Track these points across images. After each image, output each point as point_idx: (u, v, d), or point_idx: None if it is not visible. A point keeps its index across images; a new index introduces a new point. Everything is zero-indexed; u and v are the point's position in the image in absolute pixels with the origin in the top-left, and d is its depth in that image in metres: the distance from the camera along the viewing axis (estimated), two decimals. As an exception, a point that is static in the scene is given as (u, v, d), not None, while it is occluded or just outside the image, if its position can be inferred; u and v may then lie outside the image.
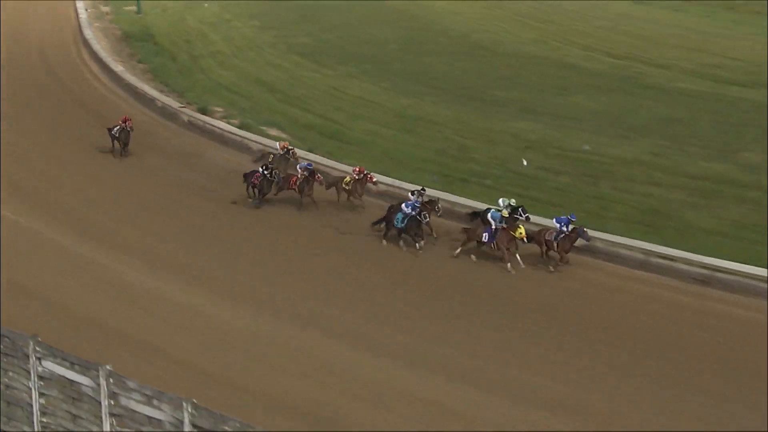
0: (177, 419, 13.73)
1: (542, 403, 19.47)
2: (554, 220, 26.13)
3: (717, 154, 33.24)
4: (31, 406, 15.53)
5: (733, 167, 32.00)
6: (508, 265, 25.73)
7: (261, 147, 34.55)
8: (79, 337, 20.46)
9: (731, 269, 24.91)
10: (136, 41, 48.92)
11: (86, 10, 55.20)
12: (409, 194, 27.75)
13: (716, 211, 28.70)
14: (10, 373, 15.70)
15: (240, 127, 36.48)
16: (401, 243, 27.01)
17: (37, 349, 15.22)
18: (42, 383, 15.35)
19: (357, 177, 29.42)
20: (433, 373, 20.40)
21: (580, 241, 25.80)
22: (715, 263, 25.15)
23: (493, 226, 26.02)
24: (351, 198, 29.71)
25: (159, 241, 27.34)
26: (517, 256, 25.84)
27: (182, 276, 25.09)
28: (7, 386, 15.84)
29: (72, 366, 14.93)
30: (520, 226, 25.73)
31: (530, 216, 26.50)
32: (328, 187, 29.95)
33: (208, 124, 37.23)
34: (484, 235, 26.07)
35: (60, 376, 15.08)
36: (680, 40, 49.49)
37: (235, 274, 25.25)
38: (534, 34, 51.44)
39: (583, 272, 25.76)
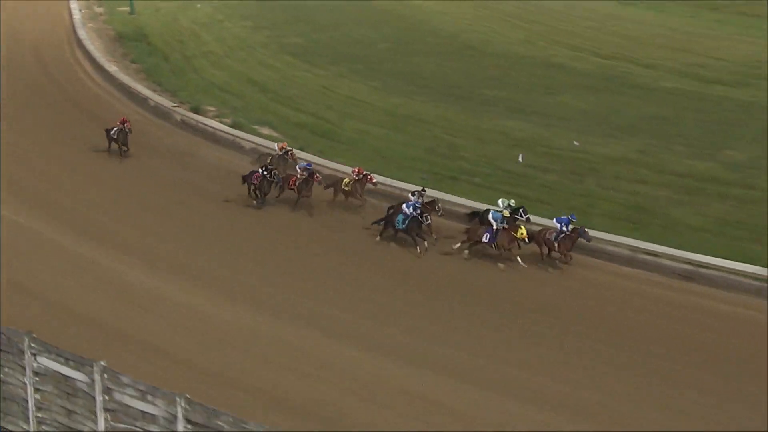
0: (171, 414, 13.73)
1: (542, 401, 19.43)
2: (554, 220, 26.02)
3: (701, 152, 33.36)
4: (27, 401, 15.51)
5: (717, 165, 32.12)
6: (500, 265, 25.69)
7: (253, 146, 34.52)
8: (80, 337, 20.26)
9: (715, 265, 25.01)
10: (130, 41, 48.80)
11: (80, 10, 55.03)
12: (409, 195, 27.49)
13: (701, 208, 28.81)
14: (6, 369, 15.66)
15: (232, 126, 36.45)
16: (391, 238, 26.95)
17: (32, 345, 15.19)
18: (37, 379, 15.32)
19: (356, 178, 29.18)
20: (433, 372, 20.28)
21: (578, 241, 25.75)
22: (699, 259, 25.25)
23: (495, 227, 25.87)
24: (351, 199, 29.40)
25: (158, 241, 27.08)
26: (518, 258, 25.72)
27: (182, 276, 24.87)
28: (3, 382, 15.80)
29: (66, 362, 14.90)
30: (522, 226, 25.62)
31: (530, 217, 26.37)
32: (327, 187, 29.71)
33: (201, 123, 37.16)
34: (485, 234, 25.90)
35: (55, 371, 15.06)
36: (665, 40, 49.65)
37: (236, 274, 25.03)
38: (522, 34, 51.52)
39: (572, 269, 25.74)
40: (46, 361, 15.10)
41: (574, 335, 22.34)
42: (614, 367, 20.92)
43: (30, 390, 15.39)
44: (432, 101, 39.53)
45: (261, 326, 22.27)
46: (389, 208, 27.67)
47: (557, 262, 25.85)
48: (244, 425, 12.99)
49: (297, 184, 29.39)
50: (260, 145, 34.48)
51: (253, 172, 29.88)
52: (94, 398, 14.56)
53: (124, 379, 14.28)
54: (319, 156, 32.62)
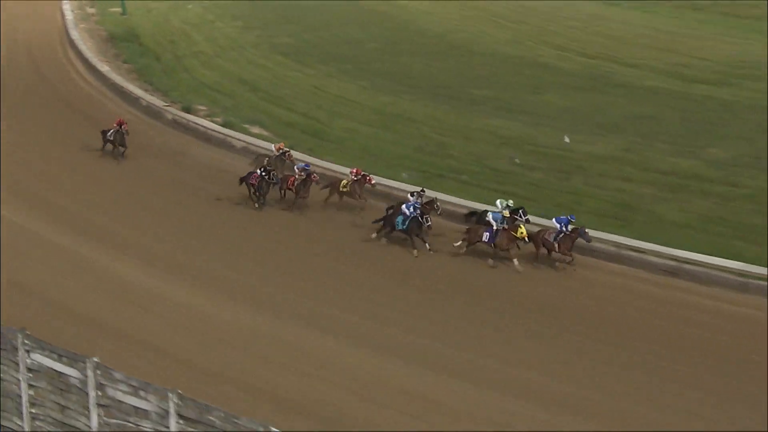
0: (163, 409, 13.70)
1: (536, 398, 19.43)
2: (554, 220, 25.89)
3: (685, 150, 33.43)
4: (21, 397, 15.46)
5: (700, 163, 32.19)
6: (490, 261, 25.69)
7: (244, 145, 34.47)
8: (79, 337, 20.12)
9: (698, 261, 25.08)
10: (121, 42, 48.64)
11: (72, 11, 54.83)
12: (408, 195, 27.28)
13: (684, 205, 28.89)
14: (0, 366, 15.63)
15: (223, 125, 36.37)
16: (374, 236, 26.87)
17: (26, 342, 15.14)
18: (31, 375, 15.27)
19: (354, 179, 28.92)
20: (433, 372, 20.15)
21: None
22: (683, 255, 25.32)
23: (495, 227, 25.74)
24: (350, 200, 29.06)
25: (156, 240, 26.96)
26: (515, 261, 25.56)
27: (181, 275, 24.69)
28: (-2, 378, 15.79)
29: (60, 358, 14.87)
30: (521, 225, 25.48)
31: (529, 218, 26.26)
32: (325, 187, 29.39)
33: (193, 122, 37.09)
34: (485, 234, 25.75)
35: (48, 368, 15.02)
36: (649, 40, 49.71)
37: (235, 274, 24.84)
38: (508, 34, 51.52)
39: (562, 266, 25.74)
40: (39, 358, 15.05)
41: (560, 330, 22.39)
42: (597, 361, 20.96)
43: (24, 386, 15.35)
44: (420, 100, 39.52)
45: (261, 326, 22.09)
46: (388, 209, 27.39)
47: (556, 262, 25.67)
48: (236, 420, 12.97)
49: (295, 184, 29.15)
50: (251, 144, 34.42)
51: (251, 173, 29.61)
52: (87, 394, 14.52)
53: (117, 375, 14.25)
54: (308, 154, 32.53)
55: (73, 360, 14.70)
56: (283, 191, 29.57)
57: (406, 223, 26.37)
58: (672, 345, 21.82)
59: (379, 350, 21.02)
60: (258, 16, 55.84)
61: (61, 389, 14.99)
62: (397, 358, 20.68)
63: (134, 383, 14.07)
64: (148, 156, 33.96)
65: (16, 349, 15.21)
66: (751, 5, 55.32)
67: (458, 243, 26.42)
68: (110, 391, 14.31)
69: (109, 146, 33.43)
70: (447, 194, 29.03)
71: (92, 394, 14.44)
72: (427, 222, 26.35)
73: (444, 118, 37.35)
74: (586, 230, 25.41)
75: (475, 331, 22.15)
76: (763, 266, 24.47)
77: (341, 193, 29.19)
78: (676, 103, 39.21)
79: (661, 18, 54.65)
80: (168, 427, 13.65)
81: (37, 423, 15.47)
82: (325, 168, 31.34)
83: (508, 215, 25.95)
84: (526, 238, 25.43)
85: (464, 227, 26.99)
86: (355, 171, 29.10)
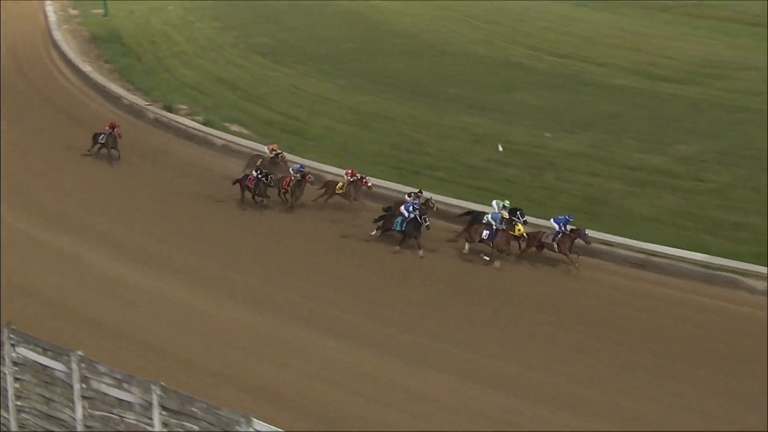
0: (146, 401, 13.65)
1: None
2: (552, 220, 25.65)
3: (653, 146, 33.56)
4: (6, 390, 15.37)
5: (667, 159, 32.34)
6: (485, 257, 25.55)
7: (224, 143, 34.38)
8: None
9: (666, 253, 25.22)
10: (104, 42, 48.39)
11: (55, 12, 54.52)
12: (406, 196, 27.07)
13: (652, 199, 29.03)
14: (-15, 360, 15.55)
15: (204, 124, 36.31)
16: (373, 232, 26.67)
17: (11, 336, 15.06)
18: (16, 368, 15.19)
19: (350, 180, 28.59)
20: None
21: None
22: (651, 248, 25.45)
23: (494, 227, 25.56)
24: (342, 199, 28.76)
25: (143, 238, 26.76)
26: (496, 263, 25.47)
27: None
28: (-17, 372, 15.69)
29: (45, 352, 14.79)
30: (518, 224, 25.35)
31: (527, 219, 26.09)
32: (321, 188, 29.08)
33: (174, 121, 36.98)
34: (484, 233, 25.58)
35: (33, 361, 14.94)
36: (618, 40, 49.84)
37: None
38: (481, 34, 51.56)
39: (533, 258, 25.83)
40: (24, 352, 14.97)
41: (528, 320, 22.60)
42: (572, 352, 21.09)
43: (9, 379, 15.26)
44: (396, 99, 39.50)
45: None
46: (386, 209, 27.13)
47: (554, 262, 25.50)
48: (217, 411, 12.94)
49: (290, 185, 28.85)
50: (231, 142, 34.38)
51: (246, 176, 29.20)
52: (71, 387, 14.46)
53: (101, 368, 14.19)
54: (288, 152, 32.36)
55: (57, 353, 14.63)
56: (281, 193, 29.13)
57: (404, 224, 26.10)
58: (639, 334, 21.99)
59: (380, 350, 20.80)
60: (237, 17, 55.63)
61: (47, 382, 14.91)
62: (398, 358, 20.48)
63: (118, 376, 14.01)
64: (133, 155, 33.62)
65: (1, 343, 15.12)
66: (715, 6, 55.66)
67: (457, 240, 26.30)
68: (94, 384, 14.24)
69: (102, 149, 32.89)
70: (425, 191, 29.05)
71: (77, 386, 14.37)
72: (426, 222, 26.07)
73: (419, 116, 37.37)
74: (586, 232, 25.13)
75: (474, 331, 21.95)
76: (728, 258, 24.67)
77: (339, 195, 28.77)
78: (644, 101, 39.36)
79: (629, 19, 54.81)
80: (151, 419, 13.60)
81: (23, 415, 15.39)
82: (321, 170, 31.01)
83: (507, 216, 25.70)
84: (525, 234, 25.31)
85: (459, 227, 26.82)
86: (350, 172, 28.75)
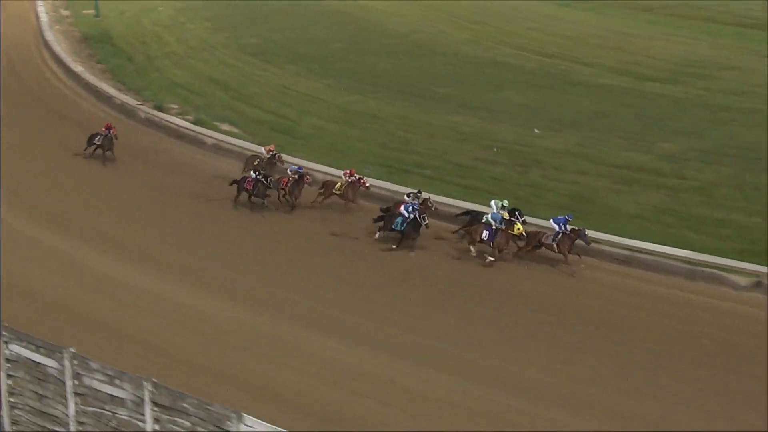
0: (138, 397, 13.64)
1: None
2: (551, 221, 25.46)
3: (637, 144, 33.64)
4: (-1, 387, 15.37)
5: (652, 157, 32.41)
6: (485, 258, 25.40)
7: (215, 142, 34.31)
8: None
9: (650, 250, 25.28)
10: (95, 43, 48.23)
11: (47, 13, 54.31)
12: (405, 196, 26.87)
13: (637, 197, 29.08)
14: (-22, 357, 15.50)
15: (195, 123, 36.19)
16: (377, 234, 26.42)
17: (4, 333, 15.02)
18: (9, 365, 15.16)
19: (349, 180, 28.23)
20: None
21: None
22: (636, 245, 25.50)
23: (494, 227, 25.39)
24: (338, 200, 28.51)
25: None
26: (489, 258, 25.35)
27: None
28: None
29: (37, 349, 14.76)
30: (517, 223, 25.20)
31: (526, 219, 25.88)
32: (319, 189, 28.83)
33: (165, 120, 36.89)
34: (484, 233, 25.41)
35: (26, 358, 14.90)
36: (603, 40, 49.95)
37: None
38: (468, 34, 51.59)
39: (532, 258, 25.68)
40: (17, 349, 14.94)
41: (528, 320, 22.50)
42: (571, 351, 21.03)
43: (3, 375, 15.22)
44: (385, 98, 39.48)
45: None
46: (385, 210, 26.95)
47: (559, 262, 25.27)
48: (208, 407, 12.94)
49: (288, 186, 28.61)
50: (222, 141, 34.30)
51: (244, 178, 28.87)
52: (64, 383, 14.43)
53: (93, 365, 14.17)
54: (278, 151, 32.29)
55: (50, 351, 14.60)
56: (281, 194, 28.82)
57: (404, 224, 25.91)
58: (624, 330, 22.04)
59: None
60: (227, 18, 55.56)
61: (39, 379, 14.88)
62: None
63: (110, 372, 13.99)
64: (126, 154, 33.37)
65: (-6, 341, 15.10)
66: (697, 7, 55.90)
67: (462, 239, 26.15)
68: (86, 380, 14.23)
69: (97, 150, 32.58)
70: (412, 188, 29.03)
71: (69, 383, 14.35)
72: (425, 221, 25.90)
73: (408, 115, 37.36)
74: (586, 232, 24.99)
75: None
76: (710, 255, 24.75)
77: (337, 195, 28.49)
78: (629, 100, 39.45)
79: (613, 19, 54.94)
80: (143, 415, 13.59)
81: (16, 411, 15.35)
82: (312, 169, 30.80)
83: (508, 217, 25.48)
84: (524, 233, 25.21)
85: (456, 227, 26.71)
86: (349, 172, 28.50)
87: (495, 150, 32.79)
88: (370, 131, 35.55)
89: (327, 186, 28.90)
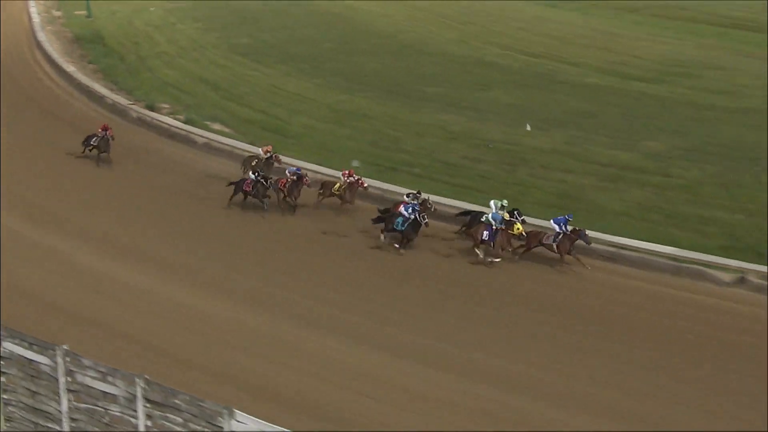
0: (130, 393, 13.60)
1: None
2: (552, 221, 25.35)
3: (623, 143, 33.72)
4: (-7, 384, 15.31)
5: (637, 155, 32.49)
6: (487, 259, 25.31)
7: (206, 141, 34.26)
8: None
9: (636, 247, 25.34)
10: (87, 43, 48.12)
11: (39, 14, 54.17)
12: (404, 197, 26.76)
13: (622, 194, 29.16)
14: (-28, 355, 15.44)
15: (185, 122, 36.13)
16: (382, 237, 26.17)
17: (-2, 331, 14.99)
18: (2, 363, 15.09)
19: (347, 180, 27.99)
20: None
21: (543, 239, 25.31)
22: (621, 241, 25.55)
23: (494, 227, 25.30)
24: (335, 199, 28.36)
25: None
26: (496, 259, 25.28)
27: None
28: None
29: (30, 346, 14.70)
30: (517, 222, 25.14)
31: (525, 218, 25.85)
32: (319, 189, 28.64)
33: (156, 119, 36.81)
34: (484, 233, 25.31)
35: (19, 355, 14.85)
36: (589, 40, 50.08)
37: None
38: (456, 34, 51.64)
39: (531, 257, 25.60)
40: (10, 346, 14.88)
41: (527, 319, 22.46)
42: (571, 350, 21.01)
43: (-5, 373, 15.19)
44: (374, 97, 39.49)
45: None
46: (384, 211, 26.82)
47: (558, 262, 25.20)
48: (200, 403, 12.91)
49: (287, 186, 28.41)
50: (213, 140, 34.25)
51: (243, 180, 28.62)
52: (57, 380, 14.39)
53: (86, 362, 14.12)
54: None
55: (43, 348, 14.55)
56: (282, 198, 28.62)
57: (405, 224, 25.78)
58: (611, 325, 22.09)
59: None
60: (218, 18, 55.48)
61: (32, 376, 14.82)
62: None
63: (102, 369, 13.95)
64: (118, 153, 33.14)
65: (-13, 338, 15.04)
66: (681, 7, 56.10)
67: (458, 234, 26.07)
68: (79, 377, 14.17)
69: (93, 151, 32.37)
70: (400, 186, 29.07)
71: (62, 380, 14.30)
72: (424, 219, 25.78)
73: (396, 114, 37.36)
74: (586, 232, 24.91)
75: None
76: (695, 251, 24.83)
77: (336, 196, 28.33)
78: (615, 99, 39.55)
79: (599, 19, 55.08)
80: (135, 411, 13.56)
81: (10, 408, 15.30)
82: (304, 168, 30.66)
83: (508, 217, 25.39)
84: (524, 233, 25.13)
85: (454, 226, 26.63)
86: (347, 173, 28.34)
87: (490, 146, 32.78)
88: (360, 130, 35.55)
89: (326, 186, 28.73)
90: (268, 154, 30.52)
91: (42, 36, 49.19)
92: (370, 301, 23.10)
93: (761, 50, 46.41)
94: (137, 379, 13.43)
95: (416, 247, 26.00)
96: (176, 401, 13.14)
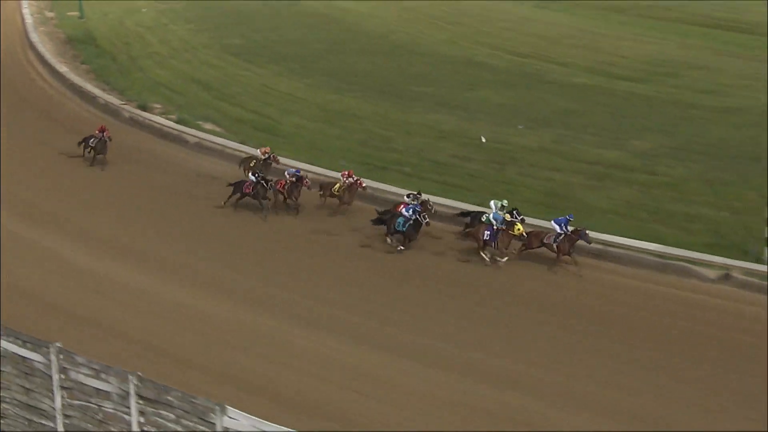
0: (123, 390, 13.58)
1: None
2: (552, 221, 25.20)
3: (610, 142, 33.80)
4: (-14, 381, 15.25)
5: (624, 154, 32.56)
6: (489, 260, 25.23)
7: (197, 140, 34.20)
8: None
9: (622, 244, 25.38)
10: (79, 44, 47.97)
11: (32, 15, 53.99)
12: (405, 197, 26.62)
13: (609, 192, 29.21)
14: (-34, 353, 15.38)
15: (177, 122, 36.04)
16: (388, 240, 25.97)
17: (-9, 329, 14.93)
18: (-3, 360, 15.08)
19: (347, 181, 27.72)
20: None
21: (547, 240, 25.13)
22: (608, 239, 25.58)
23: (495, 227, 25.16)
24: (333, 200, 28.13)
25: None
26: (503, 258, 25.14)
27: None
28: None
29: (24, 344, 14.66)
30: (517, 223, 25.00)
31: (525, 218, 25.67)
32: (319, 190, 28.45)
33: (148, 119, 36.73)
34: (485, 233, 25.20)
35: (13, 353, 14.80)
36: (576, 40, 50.19)
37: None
38: (445, 35, 51.68)
39: (530, 257, 25.45)
40: (4, 344, 14.83)
41: (527, 319, 22.40)
42: (571, 350, 20.98)
43: (-11, 371, 15.13)
44: (364, 97, 39.48)
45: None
46: (384, 212, 26.66)
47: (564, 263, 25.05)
48: (193, 400, 12.89)
49: (286, 188, 28.18)
50: (204, 140, 34.18)
51: (243, 182, 28.32)
52: (50, 377, 14.35)
53: (79, 359, 14.09)
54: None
55: (36, 345, 14.51)
56: (283, 197, 28.38)
57: (407, 225, 25.62)
58: (598, 321, 22.14)
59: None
60: (209, 19, 55.38)
61: (26, 373, 14.78)
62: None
63: (96, 366, 13.92)
64: (112, 153, 32.82)
65: (-20, 336, 14.99)
66: (666, 8, 56.26)
67: (460, 235, 26.01)
68: (73, 374, 14.14)
69: (90, 152, 32.10)
70: (390, 185, 29.08)
71: (56, 377, 14.27)
72: (425, 219, 25.63)
73: (386, 113, 37.36)
74: (587, 232, 24.77)
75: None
76: (681, 248, 24.90)
77: (335, 197, 28.13)
78: (602, 98, 39.65)
79: (586, 20, 55.20)
80: (128, 407, 13.54)
81: (4, 405, 15.26)
82: (303, 168, 30.52)
83: (509, 218, 25.20)
84: (524, 233, 25.02)
85: (453, 226, 26.55)
86: (347, 173, 28.07)
87: (484, 140, 32.80)
88: (350, 129, 35.53)
89: (325, 187, 28.54)
90: (267, 155, 30.26)
91: (35, 37, 49.02)
92: (370, 301, 22.96)
93: (744, 50, 46.69)
94: (130, 376, 13.40)
95: (416, 247, 25.90)
96: (169, 398, 13.12)
